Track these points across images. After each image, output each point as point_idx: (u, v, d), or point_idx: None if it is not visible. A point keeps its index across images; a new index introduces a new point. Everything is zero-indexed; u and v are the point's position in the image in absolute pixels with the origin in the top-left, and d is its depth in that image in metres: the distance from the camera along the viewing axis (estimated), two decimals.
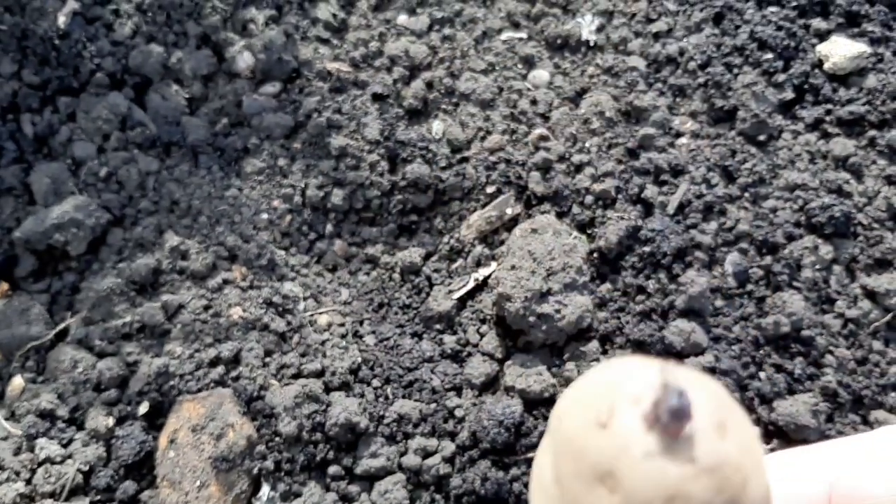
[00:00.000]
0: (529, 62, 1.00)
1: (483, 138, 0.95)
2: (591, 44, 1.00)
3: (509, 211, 0.92)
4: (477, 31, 1.01)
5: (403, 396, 0.83)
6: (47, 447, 0.77)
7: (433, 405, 0.82)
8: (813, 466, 0.35)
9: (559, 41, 1.01)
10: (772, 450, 0.82)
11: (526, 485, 0.78)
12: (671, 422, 0.22)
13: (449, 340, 0.87)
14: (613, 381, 0.25)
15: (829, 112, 0.96)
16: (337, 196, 0.93)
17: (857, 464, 0.34)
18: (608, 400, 0.24)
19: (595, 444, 0.24)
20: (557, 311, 0.81)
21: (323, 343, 0.85)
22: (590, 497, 0.24)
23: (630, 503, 0.23)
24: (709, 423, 0.23)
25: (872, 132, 0.94)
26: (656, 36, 1.01)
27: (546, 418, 0.80)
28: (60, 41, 0.93)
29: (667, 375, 0.23)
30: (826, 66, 0.97)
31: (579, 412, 0.25)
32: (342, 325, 0.88)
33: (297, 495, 0.77)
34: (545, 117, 0.96)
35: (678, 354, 0.85)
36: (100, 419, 0.79)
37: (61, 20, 0.92)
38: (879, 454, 0.34)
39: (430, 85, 0.97)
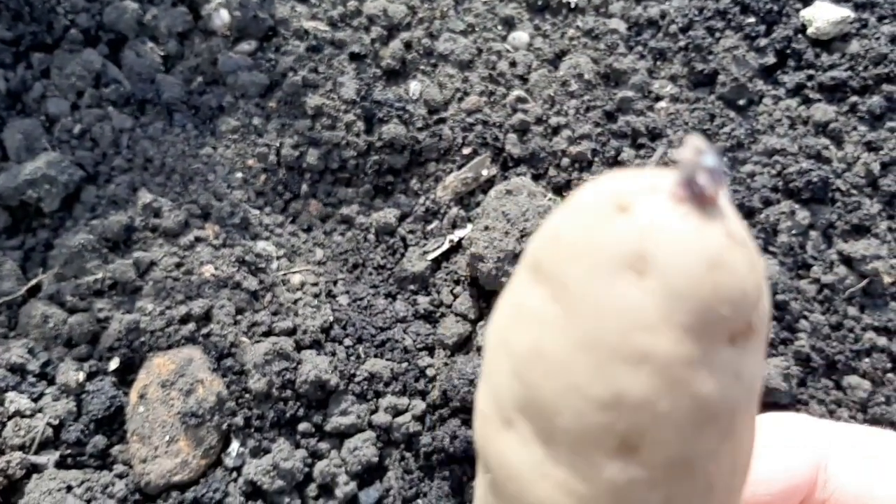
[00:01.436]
0: (509, 23, 0.99)
1: (461, 99, 0.94)
2: (572, 6, 0.99)
3: (485, 172, 0.91)
4: None
5: (375, 356, 0.83)
6: (17, 400, 0.77)
7: (405, 364, 0.82)
8: (805, 440, 0.35)
9: (540, 3, 1.00)
10: None
11: None
12: (708, 183, 0.20)
13: (423, 301, 0.87)
14: (623, 181, 0.22)
15: (810, 77, 0.95)
16: (312, 156, 0.92)
17: (858, 460, 0.34)
18: (622, 193, 0.21)
19: (616, 229, 0.21)
20: None
21: (295, 302, 0.85)
22: (614, 290, 0.21)
23: (667, 280, 0.20)
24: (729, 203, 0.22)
25: (854, 98, 0.93)
26: None
27: None
28: None
29: (697, 140, 0.20)
30: (809, 30, 0.96)
31: (588, 207, 0.22)
32: (315, 284, 0.88)
33: (267, 451, 0.78)
34: (524, 79, 0.95)
35: None
36: (70, 374, 0.79)
37: None
38: (883, 456, 0.34)
39: (408, 45, 0.96)
